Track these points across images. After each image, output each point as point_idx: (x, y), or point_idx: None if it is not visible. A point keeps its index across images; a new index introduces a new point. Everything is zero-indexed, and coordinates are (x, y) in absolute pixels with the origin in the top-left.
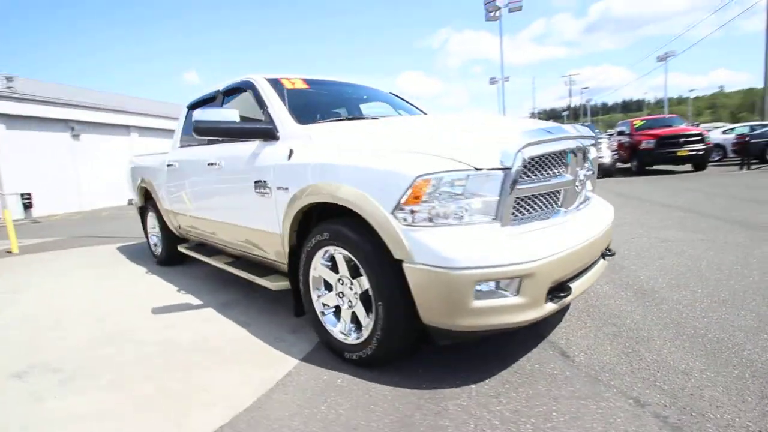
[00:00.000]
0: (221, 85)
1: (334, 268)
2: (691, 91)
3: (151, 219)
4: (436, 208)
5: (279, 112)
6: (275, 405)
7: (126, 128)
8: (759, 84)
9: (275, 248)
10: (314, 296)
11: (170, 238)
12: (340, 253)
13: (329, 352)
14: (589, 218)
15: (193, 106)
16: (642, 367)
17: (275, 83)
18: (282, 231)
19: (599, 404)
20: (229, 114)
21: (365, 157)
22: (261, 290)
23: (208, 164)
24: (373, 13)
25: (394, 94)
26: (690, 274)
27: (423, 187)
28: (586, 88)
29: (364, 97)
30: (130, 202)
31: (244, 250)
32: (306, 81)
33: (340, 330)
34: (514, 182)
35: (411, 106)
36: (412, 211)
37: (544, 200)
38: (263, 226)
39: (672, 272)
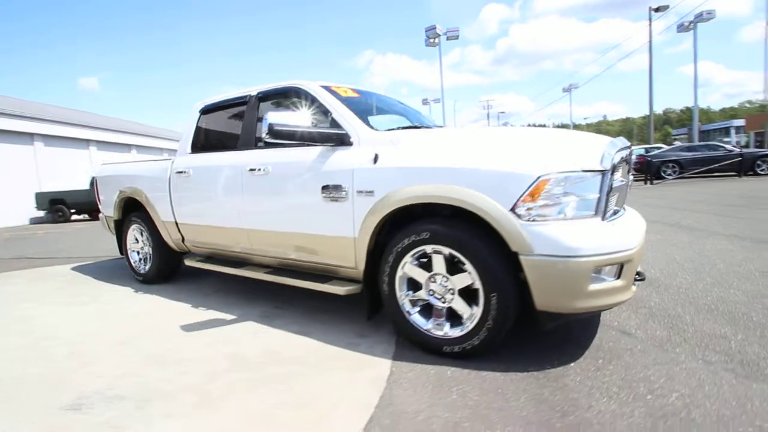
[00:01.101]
0: (252, 90)
1: (425, 266)
2: (585, 118)
3: (134, 233)
4: (551, 205)
5: (348, 118)
6: (405, 400)
7: (29, 136)
8: (633, 114)
9: (342, 252)
10: (400, 296)
11: (165, 252)
12: (438, 252)
13: (415, 349)
14: (634, 218)
15: (207, 111)
16: (690, 336)
17: (329, 90)
18: (357, 235)
19: (681, 366)
20: (301, 119)
21: (478, 160)
22: (290, 299)
23: (249, 170)
24: (298, 30)
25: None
26: (670, 266)
27: (541, 187)
28: (503, 112)
29: (398, 108)
30: (58, 216)
31: (290, 257)
32: (354, 90)
33: (432, 326)
34: (610, 183)
35: (428, 120)
36: (529, 209)
37: (613, 200)
38: (330, 231)
39: (655, 266)
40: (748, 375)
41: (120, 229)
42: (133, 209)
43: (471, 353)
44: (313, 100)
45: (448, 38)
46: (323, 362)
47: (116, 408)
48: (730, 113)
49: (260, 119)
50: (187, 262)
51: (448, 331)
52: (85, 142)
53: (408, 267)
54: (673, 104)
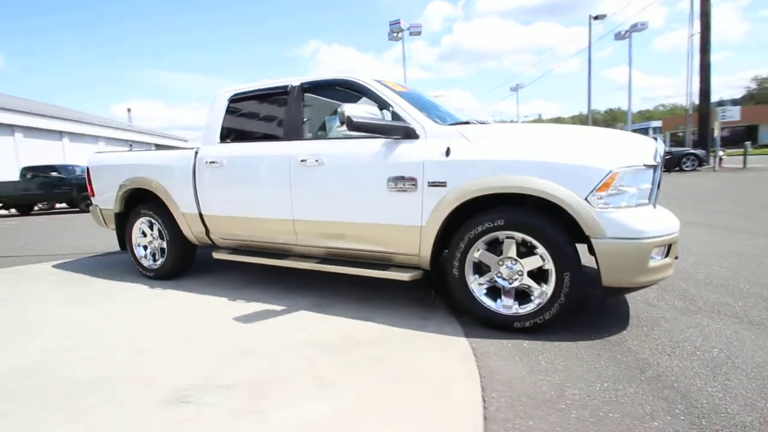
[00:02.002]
0: (293, 80)
1: (495, 251)
2: (526, 116)
3: (142, 226)
4: (617, 194)
5: (412, 112)
6: (503, 370)
7: None
8: (564, 114)
9: (407, 240)
10: (470, 280)
11: (182, 246)
12: (510, 237)
13: (481, 327)
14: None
15: (237, 99)
16: (702, 304)
17: (384, 84)
18: (425, 223)
19: (708, 328)
20: (372, 110)
21: (555, 155)
22: (331, 289)
23: (301, 161)
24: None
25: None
26: None
27: (612, 179)
28: (458, 108)
29: (429, 103)
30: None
31: (341, 247)
32: (400, 85)
33: (503, 305)
34: (658, 176)
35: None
36: (600, 198)
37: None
38: (395, 220)
39: None
40: (761, 331)
41: (122, 223)
42: (139, 201)
43: (541, 327)
44: (368, 94)
45: (411, 33)
46: (404, 343)
47: (229, 396)
48: (647, 115)
49: (308, 109)
50: (216, 256)
51: (517, 309)
52: (9, 128)
53: (479, 252)
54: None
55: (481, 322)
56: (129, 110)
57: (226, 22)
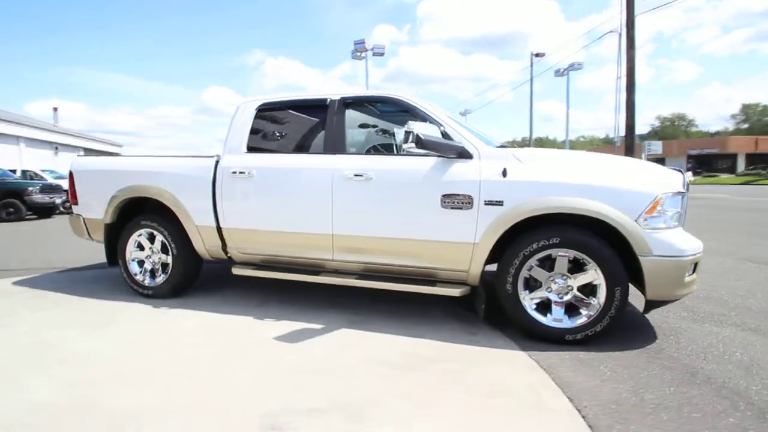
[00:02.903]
0: (332, 94)
1: (545, 267)
2: None
3: (139, 239)
4: (659, 217)
5: (463, 132)
6: (576, 380)
7: None
8: (502, 139)
9: (458, 257)
10: (522, 295)
11: (190, 261)
12: (563, 254)
13: (528, 339)
14: None
15: (266, 109)
16: (705, 315)
17: (430, 105)
18: (478, 240)
19: (721, 335)
20: (432, 130)
21: (608, 179)
22: (359, 305)
23: (346, 175)
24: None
25: None
26: None
27: (657, 203)
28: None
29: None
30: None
31: (383, 263)
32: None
33: (553, 319)
34: (686, 202)
35: None
36: (645, 220)
37: None
38: (448, 237)
39: None
40: (763, 336)
41: (113, 235)
42: (133, 211)
43: (591, 338)
44: (417, 113)
45: (374, 54)
46: (469, 358)
47: (327, 420)
48: (571, 145)
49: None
50: (237, 272)
51: (567, 322)
52: None
53: (531, 268)
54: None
55: (531, 336)
56: (55, 109)
57: (165, 26)
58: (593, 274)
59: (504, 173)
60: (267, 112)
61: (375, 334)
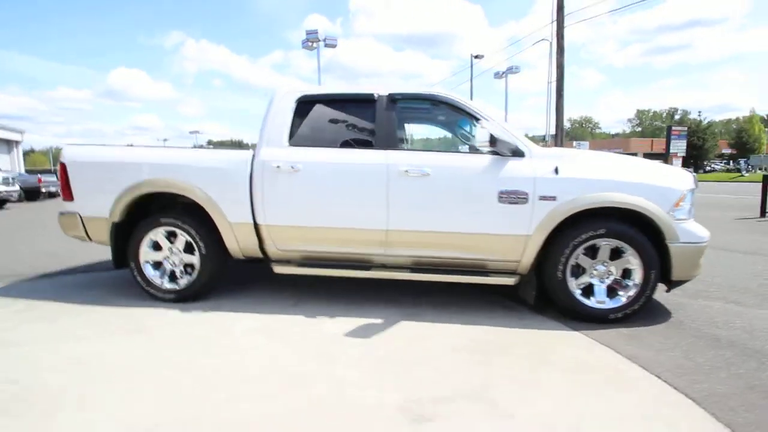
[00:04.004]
0: (378, 89)
1: (589, 255)
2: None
3: (156, 238)
4: (681, 209)
5: (515, 132)
6: (640, 354)
7: None
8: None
9: (511, 248)
10: (570, 281)
11: (220, 261)
12: (606, 243)
13: (570, 320)
14: None
15: (307, 101)
16: (699, 290)
17: (480, 105)
18: (532, 232)
19: (718, 309)
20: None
21: (647, 177)
22: (397, 296)
23: (403, 171)
24: None
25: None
26: None
27: (683, 198)
28: None
29: None
30: None
31: (435, 256)
32: None
33: (596, 301)
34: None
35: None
36: (673, 212)
37: None
38: (503, 230)
39: None
40: (745, 308)
41: (122, 235)
42: (144, 208)
43: (628, 317)
44: (467, 112)
45: (326, 45)
46: (533, 340)
47: (458, 406)
48: None
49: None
50: (279, 270)
51: (609, 303)
52: None
53: (579, 257)
54: None
55: (576, 317)
56: None
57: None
58: (631, 260)
59: (556, 171)
60: (308, 104)
61: (435, 325)
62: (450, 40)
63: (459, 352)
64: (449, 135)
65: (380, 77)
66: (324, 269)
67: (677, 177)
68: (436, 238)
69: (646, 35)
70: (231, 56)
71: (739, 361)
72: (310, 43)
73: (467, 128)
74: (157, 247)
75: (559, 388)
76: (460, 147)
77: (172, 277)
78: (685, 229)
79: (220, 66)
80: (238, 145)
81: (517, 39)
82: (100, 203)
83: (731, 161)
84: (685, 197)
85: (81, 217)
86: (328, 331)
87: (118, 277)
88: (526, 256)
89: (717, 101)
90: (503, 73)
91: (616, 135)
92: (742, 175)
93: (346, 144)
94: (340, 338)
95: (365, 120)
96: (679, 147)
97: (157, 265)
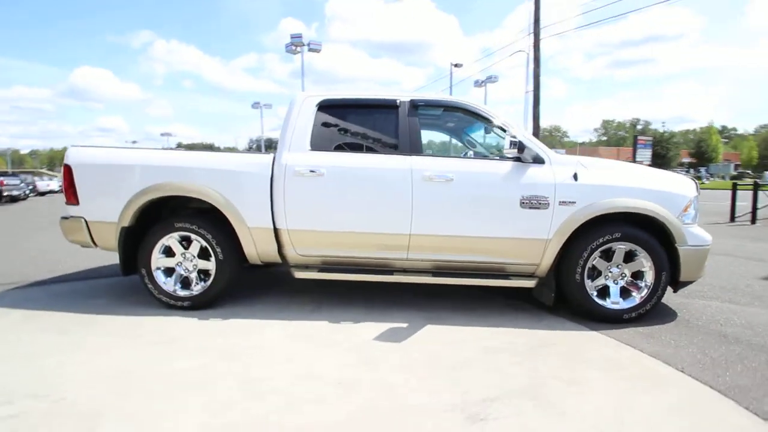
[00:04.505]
0: (401, 95)
1: (607, 259)
2: None
3: (168, 243)
4: (687, 214)
5: (535, 140)
6: (660, 351)
7: None
8: None
9: (531, 252)
10: (587, 283)
11: (236, 267)
12: (620, 247)
13: (589, 320)
14: None
15: (327, 106)
16: (694, 291)
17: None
18: (551, 236)
19: (717, 307)
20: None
21: (657, 183)
22: (416, 300)
23: (426, 176)
24: None
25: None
26: None
27: (690, 204)
28: None
29: None
30: None
31: (456, 260)
32: None
33: (611, 302)
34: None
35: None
36: (682, 217)
37: None
38: (524, 234)
39: None
40: (741, 306)
41: (131, 240)
42: (155, 213)
43: (642, 316)
44: (487, 119)
45: (310, 49)
46: (561, 340)
47: (511, 404)
48: None
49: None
50: (301, 275)
51: (623, 304)
52: None
53: (596, 260)
54: None
55: (592, 318)
56: None
57: None
58: (643, 263)
59: (575, 177)
60: (329, 109)
61: (463, 328)
62: (425, 48)
63: (496, 354)
64: (469, 141)
65: (356, 83)
66: (346, 274)
67: (684, 184)
68: (458, 243)
69: (610, 48)
70: (202, 57)
71: (750, 355)
72: (294, 47)
73: (487, 135)
74: (169, 252)
75: (599, 385)
76: (479, 153)
77: (185, 284)
78: (692, 232)
79: (190, 67)
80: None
81: (493, 50)
82: (108, 207)
83: (691, 169)
84: (691, 203)
85: (86, 221)
86: (359, 336)
87: (116, 285)
88: (545, 260)
89: (675, 113)
90: (483, 81)
91: (583, 143)
92: (703, 183)
93: (369, 149)
94: (374, 343)
95: (388, 126)
96: (644, 156)
97: (169, 272)
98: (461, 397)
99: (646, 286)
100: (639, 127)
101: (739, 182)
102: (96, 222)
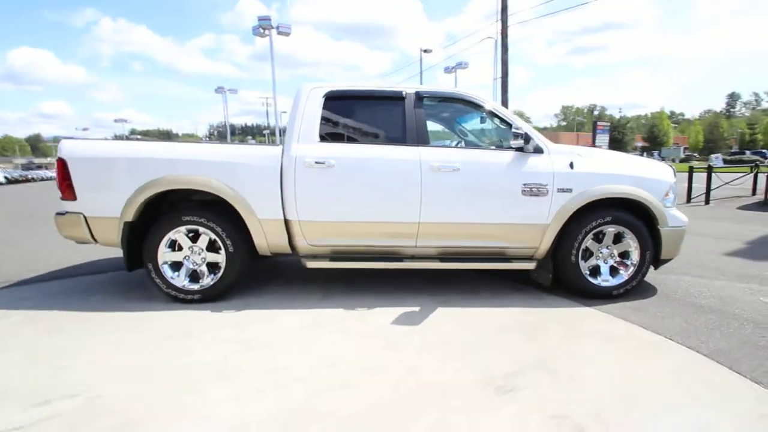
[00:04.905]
0: (409, 88)
1: (598, 241)
2: None
3: (176, 237)
4: (668, 198)
5: (532, 131)
6: (648, 322)
7: None
8: None
9: (531, 236)
10: (581, 263)
11: (245, 258)
12: (610, 230)
13: (580, 297)
14: None
15: (334, 97)
16: (667, 268)
17: (500, 106)
18: (549, 222)
19: (690, 281)
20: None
21: (643, 171)
22: (420, 285)
23: (434, 166)
24: None
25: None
26: None
27: (670, 188)
28: (284, 111)
29: None
30: None
31: (461, 246)
32: None
33: (602, 280)
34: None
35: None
36: (663, 201)
37: None
38: (525, 220)
39: None
40: (710, 280)
41: (134, 235)
42: (156, 207)
43: (629, 292)
44: (488, 112)
45: (279, 33)
46: (561, 318)
47: (532, 377)
48: None
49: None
50: (312, 265)
51: (612, 281)
52: None
53: (588, 242)
54: None
55: (586, 295)
56: None
57: None
58: (629, 243)
59: (571, 166)
60: (335, 100)
61: (471, 309)
62: (389, 32)
63: (508, 332)
64: (462, 131)
65: (319, 67)
66: (357, 262)
67: (664, 171)
68: (464, 229)
69: (569, 36)
70: (153, 38)
71: (724, 323)
72: (261, 30)
73: (488, 125)
74: (176, 246)
75: (602, 354)
76: (471, 143)
77: (193, 277)
78: (672, 215)
79: (140, 48)
80: (167, 135)
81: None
82: (109, 202)
83: (644, 153)
84: (671, 188)
85: (85, 217)
86: (373, 322)
87: (109, 282)
88: (543, 243)
89: (627, 99)
90: (452, 68)
91: (545, 128)
92: None
93: (376, 139)
94: (390, 327)
95: (394, 117)
96: (603, 140)
97: (175, 266)
98: (483, 373)
99: (632, 264)
100: (596, 113)
101: (695, 165)
102: (96, 218)
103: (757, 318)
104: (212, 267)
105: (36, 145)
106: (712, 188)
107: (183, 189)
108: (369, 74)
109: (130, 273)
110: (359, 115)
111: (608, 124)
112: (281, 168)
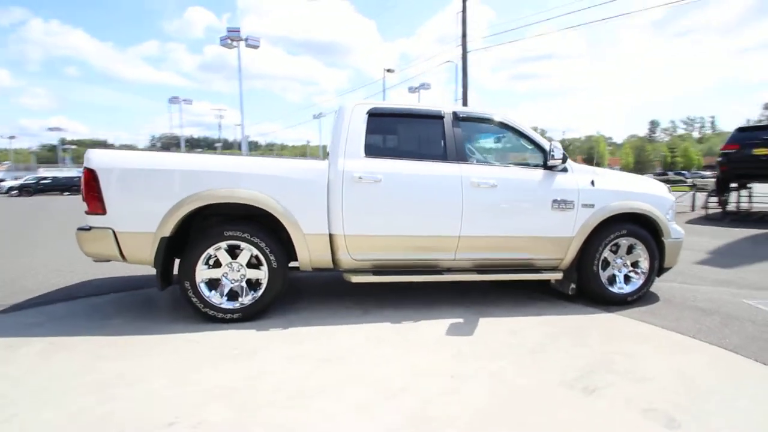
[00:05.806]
0: (445, 107)
1: (614, 252)
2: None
3: (217, 254)
4: (671, 213)
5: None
6: (668, 324)
7: None
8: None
9: (558, 248)
10: (601, 272)
11: (285, 274)
12: (624, 242)
13: (597, 304)
14: None
15: (377, 114)
16: (664, 278)
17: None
18: (575, 234)
19: (683, 286)
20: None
21: (650, 189)
22: (451, 296)
23: (474, 182)
24: None
25: None
26: None
27: (672, 204)
28: (238, 124)
29: None
30: None
31: (494, 258)
32: None
33: (617, 288)
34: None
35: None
36: (667, 215)
37: None
38: (554, 233)
39: None
40: (704, 286)
41: (170, 251)
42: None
43: (641, 298)
44: (519, 133)
45: (247, 45)
46: (591, 323)
47: (606, 377)
48: None
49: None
50: (357, 279)
51: (626, 289)
52: None
53: (606, 253)
54: None
55: (604, 302)
56: None
57: None
58: (640, 254)
59: (593, 183)
60: (378, 117)
61: (509, 319)
62: (344, 50)
63: (558, 338)
64: (500, 149)
65: (274, 81)
66: (399, 276)
67: (665, 189)
68: (499, 242)
69: (510, 64)
70: (90, 42)
71: (728, 322)
72: (229, 41)
73: (513, 143)
74: (213, 263)
75: (647, 352)
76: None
77: (231, 296)
78: (674, 228)
79: (75, 52)
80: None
81: (413, 57)
82: (144, 216)
83: None
84: (672, 204)
85: (115, 233)
86: (429, 334)
87: (116, 302)
88: (569, 255)
89: (562, 123)
90: (417, 88)
91: None
92: None
93: (418, 156)
94: (449, 338)
95: (435, 135)
96: None
97: (212, 283)
98: (560, 375)
99: (642, 273)
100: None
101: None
102: (127, 233)
103: (751, 317)
104: (251, 284)
105: None
106: None
107: (222, 203)
108: (326, 90)
109: (124, 293)
110: (401, 132)
111: None
112: (327, 182)
